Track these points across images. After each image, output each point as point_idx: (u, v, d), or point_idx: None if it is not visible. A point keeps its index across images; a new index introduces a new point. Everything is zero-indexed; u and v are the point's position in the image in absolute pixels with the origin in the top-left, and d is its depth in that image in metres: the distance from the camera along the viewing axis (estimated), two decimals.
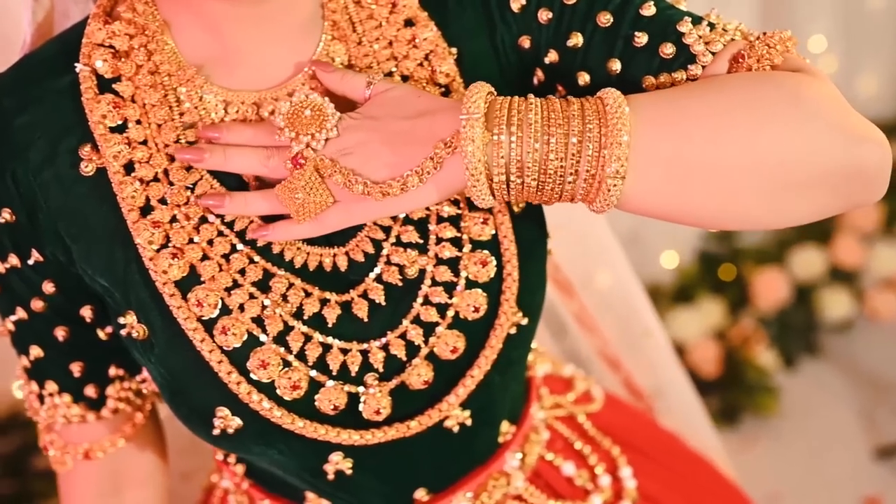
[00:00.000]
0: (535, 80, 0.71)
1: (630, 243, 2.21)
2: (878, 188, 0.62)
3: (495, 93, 0.62)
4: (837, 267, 2.19)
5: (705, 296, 2.17)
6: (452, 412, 0.72)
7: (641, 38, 0.65)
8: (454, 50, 0.69)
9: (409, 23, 0.70)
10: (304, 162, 0.63)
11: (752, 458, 1.99)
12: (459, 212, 0.69)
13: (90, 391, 0.74)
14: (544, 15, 0.68)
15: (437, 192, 0.63)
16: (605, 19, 0.66)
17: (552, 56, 0.68)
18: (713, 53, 0.64)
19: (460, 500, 0.78)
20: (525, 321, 0.72)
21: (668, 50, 0.64)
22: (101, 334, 0.71)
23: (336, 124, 0.63)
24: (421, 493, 0.77)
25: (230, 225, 0.66)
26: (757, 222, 0.63)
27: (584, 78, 0.67)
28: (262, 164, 0.64)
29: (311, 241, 0.67)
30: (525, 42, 0.69)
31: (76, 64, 0.66)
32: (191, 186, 0.65)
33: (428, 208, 0.68)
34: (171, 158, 0.65)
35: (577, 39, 0.67)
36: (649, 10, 0.66)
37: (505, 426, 0.80)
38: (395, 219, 0.68)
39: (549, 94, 0.68)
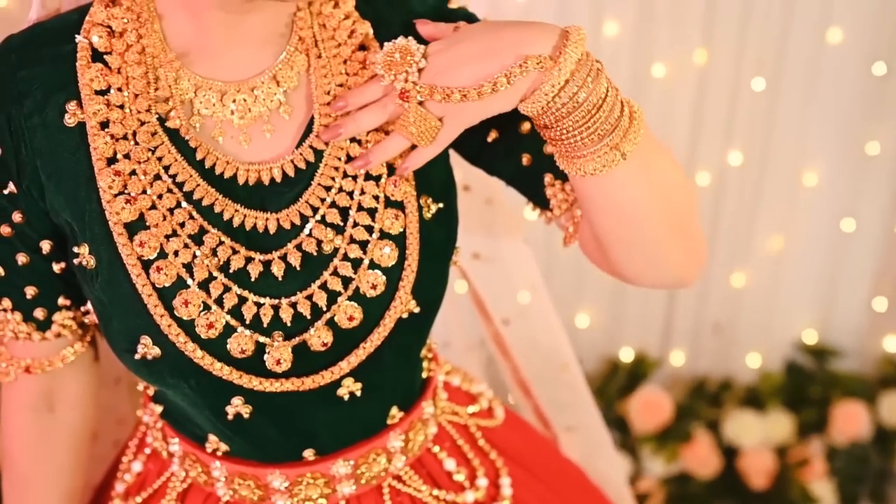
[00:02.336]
0: None
1: (714, 331, 2.19)
2: (700, 271, 0.89)
3: None
4: None
5: (778, 407, 2.12)
6: (345, 380, 0.85)
7: None
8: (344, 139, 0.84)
9: (362, 47, 0.86)
10: (408, 95, 0.77)
11: None
12: (378, 206, 0.83)
13: (39, 313, 0.87)
14: None
15: (515, 98, 0.77)
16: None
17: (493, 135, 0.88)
18: None
19: (340, 465, 0.91)
20: (418, 310, 0.86)
21: None
22: (56, 267, 0.85)
23: (423, 55, 0.78)
24: (308, 453, 0.90)
25: (180, 185, 0.80)
26: (648, 257, 0.84)
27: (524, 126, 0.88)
28: (384, 113, 0.80)
29: (249, 205, 0.82)
30: None
31: (77, 36, 0.81)
32: (152, 148, 0.80)
33: (351, 198, 0.83)
34: (141, 122, 0.80)
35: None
36: None
37: (394, 411, 0.92)
38: (322, 201, 0.82)
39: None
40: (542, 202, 0.90)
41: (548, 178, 0.89)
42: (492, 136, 0.89)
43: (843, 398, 2.13)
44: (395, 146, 0.81)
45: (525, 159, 0.88)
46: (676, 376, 2.24)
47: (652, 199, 0.81)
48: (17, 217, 0.82)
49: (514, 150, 0.89)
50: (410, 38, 0.78)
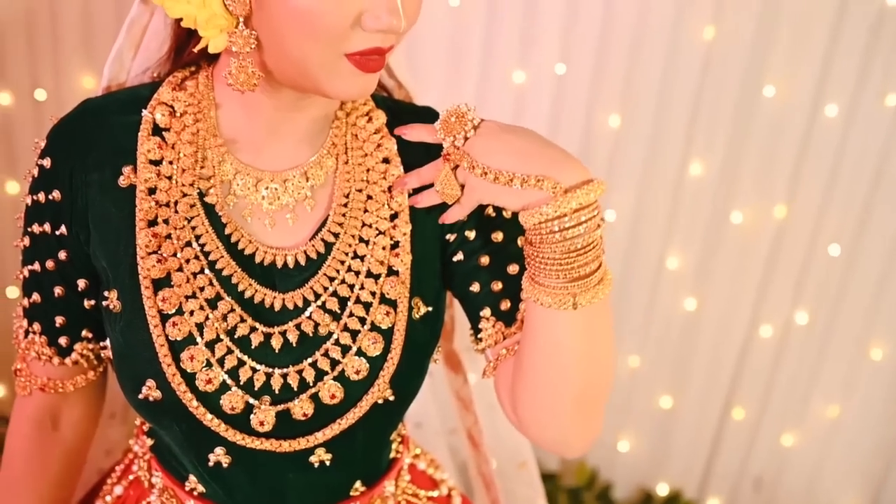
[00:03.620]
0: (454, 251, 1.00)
1: (754, 486, 2.16)
2: (585, 451, 0.94)
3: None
4: None
5: None
6: (318, 449, 0.95)
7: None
8: (411, 189, 0.97)
9: (386, 160, 0.98)
10: (449, 159, 0.89)
11: None
12: (373, 301, 0.94)
13: (63, 341, 0.99)
14: (471, 234, 0.99)
15: (519, 202, 0.84)
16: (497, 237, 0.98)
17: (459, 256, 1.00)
18: None
19: None
20: (393, 398, 0.96)
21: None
22: (86, 303, 0.97)
23: (475, 126, 0.88)
24: None
25: (206, 254, 0.92)
26: (553, 410, 0.90)
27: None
28: (437, 169, 0.92)
29: (262, 282, 0.93)
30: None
31: (143, 110, 0.94)
32: (189, 218, 0.93)
33: (351, 290, 0.93)
34: (184, 194, 0.93)
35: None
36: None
37: (358, 484, 1.03)
38: (325, 289, 0.93)
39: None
40: (477, 330, 1.00)
41: (485, 311, 0.97)
42: (457, 256, 0.99)
43: None
44: (432, 201, 0.94)
45: (475, 287, 0.98)
46: None
47: (581, 359, 0.87)
48: (62, 255, 0.95)
49: (469, 276, 0.98)
50: (475, 107, 0.89)
